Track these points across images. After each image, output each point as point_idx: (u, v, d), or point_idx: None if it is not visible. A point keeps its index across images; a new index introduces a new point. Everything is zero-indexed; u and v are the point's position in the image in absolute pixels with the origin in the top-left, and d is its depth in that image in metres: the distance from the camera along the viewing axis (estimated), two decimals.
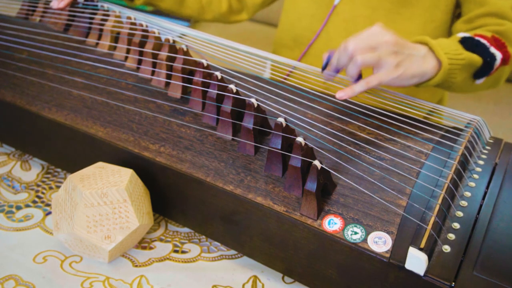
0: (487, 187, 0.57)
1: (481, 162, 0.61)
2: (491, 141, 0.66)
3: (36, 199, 0.70)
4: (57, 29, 0.87)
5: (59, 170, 0.76)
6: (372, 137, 0.62)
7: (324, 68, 0.67)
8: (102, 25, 0.82)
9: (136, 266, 0.61)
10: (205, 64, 0.67)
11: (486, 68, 0.71)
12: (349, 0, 0.86)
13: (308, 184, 0.53)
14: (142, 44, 0.76)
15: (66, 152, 0.74)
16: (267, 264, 0.60)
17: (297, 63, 0.75)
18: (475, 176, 0.58)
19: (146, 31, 0.77)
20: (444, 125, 0.67)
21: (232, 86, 0.62)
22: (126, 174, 0.60)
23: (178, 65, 0.69)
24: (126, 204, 0.57)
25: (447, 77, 0.68)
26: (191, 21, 1.78)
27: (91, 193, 0.56)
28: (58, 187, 0.73)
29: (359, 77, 0.64)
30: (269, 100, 0.67)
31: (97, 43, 0.82)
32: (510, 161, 0.62)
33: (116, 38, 0.81)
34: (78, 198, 0.57)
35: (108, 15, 0.83)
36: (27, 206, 0.69)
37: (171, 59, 0.71)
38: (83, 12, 0.86)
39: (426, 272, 0.47)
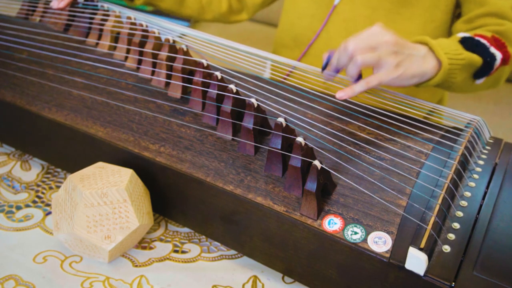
0: (487, 187, 0.57)
1: (481, 162, 0.61)
2: (491, 141, 0.66)
3: (36, 199, 0.70)
4: (57, 29, 0.87)
5: (59, 170, 0.76)
6: (372, 137, 0.62)
7: (324, 68, 0.67)
8: (102, 25, 0.82)
9: (136, 266, 0.61)
10: (205, 64, 0.67)
11: (486, 68, 0.71)
12: (349, 0, 0.86)
13: (308, 184, 0.53)
14: (142, 44, 0.76)
15: (66, 152, 0.74)
16: (267, 264, 0.60)
17: (297, 63, 0.75)
18: (475, 176, 0.58)
19: (146, 31, 0.77)
20: (444, 125, 0.67)
21: (232, 86, 0.62)
22: (126, 174, 0.60)
23: (178, 65, 0.69)
24: (126, 204, 0.57)
25: (447, 77, 0.68)
26: (191, 21, 1.78)
27: (91, 193, 0.56)
28: (58, 187, 0.73)
29: (359, 77, 0.64)
30: (269, 100, 0.67)
31: (97, 43, 0.82)
32: (510, 161, 0.62)
33: (116, 38, 0.81)
34: (78, 198, 0.57)
35: (108, 15, 0.83)
36: (27, 206, 0.69)
37: (171, 59, 0.71)
38: (83, 12, 0.86)
39: (426, 272, 0.48)
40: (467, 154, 0.60)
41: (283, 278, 0.60)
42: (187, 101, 0.69)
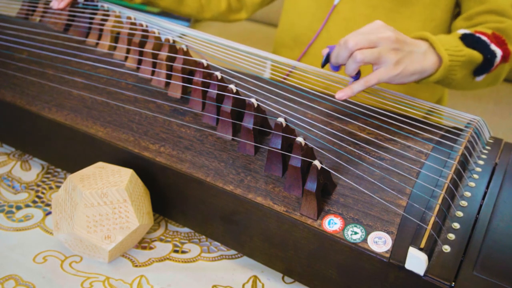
0: (487, 187, 0.57)
1: (481, 162, 0.61)
2: (491, 141, 0.66)
3: (36, 199, 0.70)
4: (57, 29, 0.87)
5: (59, 170, 0.77)
6: (372, 137, 0.62)
7: (324, 65, 0.67)
8: (102, 25, 0.82)
9: (136, 266, 0.61)
10: (205, 64, 0.67)
11: (486, 65, 0.71)
12: None
13: (308, 184, 0.53)
14: (142, 44, 0.76)
15: (66, 152, 0.74)
16: (267, 264, 0.60)
17: (297, 63, 0.75)
18: (475, 176, 0.58)
19: (146, 31, 0.77)
20: (444, 125, 0.67)
21: (232, 86, 0.62)
22: (126, 174, 0.60)
23: (178, 65, 0.69)
24: (126, 204, 0.57)
25: (448, 73, 0.68)
26: (191, 21, 1.78)
27: (91, 193, 0.56)
28: (58, 187, 0.73)
29: (358, 74, 0.63)
30: (269, 100, 0.67)
31: (97, 43, 0.82)
32: (510, 161, 0.62)
33: (116, 38, 0.81)
34: (78, 198, 0.57)
35: (108, 15, 0.83)
36: (27, 206, 0.69)
37: (171, 59, 0.71)
38: (83, 12, 0.86)
39: (426, 272, 0.48)
40: (467, 154, 0.60)
41: (283, 278, 0.60)
42: (187, 101, 0.69)
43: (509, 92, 1.59)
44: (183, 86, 0.70)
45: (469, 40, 0.70)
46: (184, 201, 0.64)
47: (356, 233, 0.52)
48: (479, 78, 0.74)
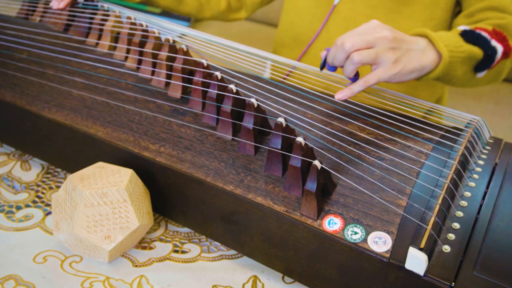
0: (487, 187, 0.57)
1: (481, 162, 0.61)
2: (491, 141, 0.66)
3: (36, 199, 0.70)
4: (57, 29, 0.87)
5: (59, 170, 0.77)
6: (372, 137, 0.62)
7: (322, 67, 0.67)
8: (102, 25, 0.82)
9: (136, 266, 0.61)
10: (205, 64, 0.67)
11: (487, 61, 0.71)
12: None
13: (308, 184, 0.53)
14: (142, 44, 0.76)
15: (66, 152, 0.74)
16: (267, 264, 0.60)
17: (297, 63, 0.75)
18: (475, 176, 0.58)
19: (146, 31, 0.77)
20: (444, 125, 0.67)
21: (232, 86, 0.62)
22: (126, 174, 0.60)
23: (178, 65, 0.69)
24: (126, 204, 0.57)
25: (448, 70, 0.67)
26: (191, 21, 1.78)
27: (91, 193, 0.56)
28: (58, 187, 0.73)
29: (356, 75, 0.63)
30: (269, 100, 0.67)
31: (97, 43, 0.82)
32: (510, 161, 0.62)
33: (116, 38, 0.81)
34: (78, 198, 0.57)
35: (108, 15, 0.83)
36: (27, 206, 0.69)
37: (171, 59, 0.71)
38: (83, 12, 0.86)
39: (426, 272, 0.48)
40: (467, 154, 0.60)
41: (283, 278, 0.60)
42: (187, 101, 0.69)
43: (509, 92, 1.59)
44: (183, 86, 0.70)
45: (469, 36, 0.69)
46: (184, 201, 0.64)
47: (356, 233, 0.52)
48: (480, 75, 0.73)
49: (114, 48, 0.80)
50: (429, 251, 0.48)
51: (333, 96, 0.64)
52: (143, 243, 0.64)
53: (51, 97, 0.73)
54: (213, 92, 0.64)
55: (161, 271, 0.60)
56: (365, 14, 0.85)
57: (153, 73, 0.73)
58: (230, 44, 0.77)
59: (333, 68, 0.65)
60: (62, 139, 0.72)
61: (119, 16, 0.83)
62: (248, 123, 0.59)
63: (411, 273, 0.48)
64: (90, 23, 0.84)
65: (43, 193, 0.72)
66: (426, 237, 0.49)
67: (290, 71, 0.81)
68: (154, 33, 0.75)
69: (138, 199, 0.59)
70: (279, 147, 0.56)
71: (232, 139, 0.63)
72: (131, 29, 0.78)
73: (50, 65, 0.77)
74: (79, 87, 0.73)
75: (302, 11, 0.91)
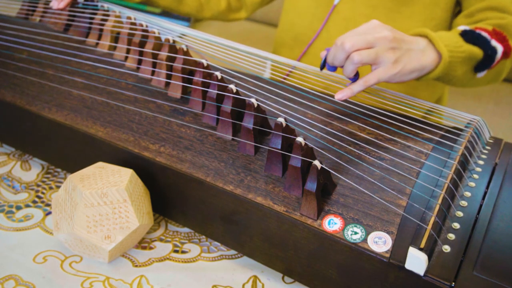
0: (487, 187, 0.57)
1: (481, 162, 0.61)
2: (491, 141, 0.66)
3: (36, 199, 0.70)
4: (57, 29, 0.87)
5: (59, 170, 0.77)
6: (372, 137, 0.62)
7: (322, 67, 0.67)
8: (102, 25, 0.82)
9: (136, 266, 0.61)
10: (205, 64, 0.67)
11: (487, 61, 0.71)
12: None
13: (308, 184, 0.53)
14: (142, 44, 0.76)
15: (66, 152, 0.74)
16: (267, 264, 0.60)
17: (297, 63, 0.75)
18: (475, 176, 0.58)
19: (146, 31, 0.77)
20: (444, 125, 0.67)
21: (232, 86, 0.62)
22: (126, 174, 0.60)
23: (178, 65, 0.69)
24: (126, 204, 0.57)
25: (448, 70, 0.67)
26: (191, 21, 1.78)
27: (91, 193, 0.56)
28: (58, 187, 0.73)
29: (356, 75, 0.63)
30: (269, 100, 0.67)
31: (97, 43, 0.82)
32: (510, 161, 0.62)
33: (116, 38, 0.81)
34: (78, 198, 0.57)
35: (108, 15, 0.83)
36: (27, 206, 0.69)
37: (171, 59, 0.71)
38: (83, 12, 0.86)
39: (426, 272, 0.48)
40: (467, 154, 0.60)
41: (283, 278, 0.60)
42: (187, 101, 0.69)
43: (509, 92, 1.59)
44: (183, 86, 0.70)
45: (469, 36, 0.69)
46: (184, 201, 0.64)
47: (356, 233, 0.52)
48: (480, 75, 0.73)
49: (114, 48, 0.80)
50: (429, 251, 0.48)
51: (333, 96, 0.64)
52: (143, 243, 0.64)
53: (51, 97, 0.73)
54: (213, 92, 0.64)
55: (161, 271, 0.60)
56: (365, 14, 0.85)
57: (153, 73, 0.73)
58: (230, 44, 0.77)
59: (333, 68, 0.65)
60: (62, 139, 0.72)
61: (119, 16, 0.83)
62: (248, 123, 0.59)
63: (411, 273, 0.48)
64: (90, 23, 0.84)
65: (43, 193, 0.72)
66: (426, 237, 0.49)
67: (290, 71, 0.81)
68: (154, 33, 0.75)
69: (138, 199, 0.59)
70: (279, 147, 0.56)
71: (232, 139, 0.63)
72: (131, 29, 0.78)
73: (50, 65, 0.77)
74: (79, 87, 0.73)
75: (302, 11, 0.91)
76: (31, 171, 0.76)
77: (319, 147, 0.60)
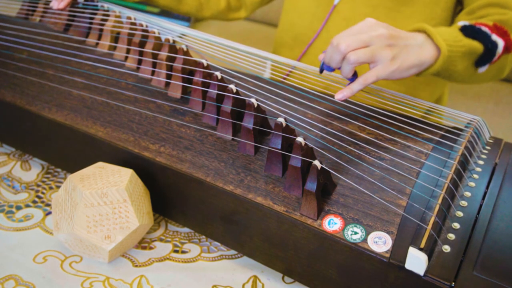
0: (487, 187, 0.57)
1: (481, 162, 0.61)
2: (491, 141, 0.66)
3: (36, 199, 0.70)
4: (57, 29, 0.87)
5: (59, 170, 0.77)
6: (372, 137, 0.62)
7: (321, 70, 0.67)
8: (102, 25, 0.82)
9: (136, 266, 0.61)
10: (205, 64, 0.67)
11: (487, 56, 0.70)
12: None
13: (308, 184, 0.53)
14: (142, 44, 0.76)
15: (66, 152, 0.74)
16: (267, 264, 0.60)
17: (297, 63, 0.75)
18: (475, 176, 0.58)
19: (146, 31, 0.77)
20: (444, 125, 0.67)
21: (232, 86, 0.62)
22: (126, 174, 0.60)
23: (178, 65, 0.69)
24: (126, 204, 0.57)
25: (448, 65, 0.67)
26: (191, 21, 1.78)
27: (91, 193, 0.56)
28: (58, 187, 0.73)
29: (355, 76, 0.63)
30: (269, 100, 0.67)
31: (97, 43, 0.82)
32: (510, 161, 0.62)
33: (116, 38, 0.81)
34: (78, 198, 0.57)
35: (108, 15, 0.83)
36: (27, 206, 0.69)
37: (171, 59, 0.71)
38: (83, 12, 0.86)
39: (426, 272, 0.48)
40: (467, 154, 0.60)
41: (283, 278, 0.60)
42: (187, 101, 0.69)
43: (509, 92, 1.59)
44: (183, 86, 0.70)
45: (469, 31, 0.69)
46: (184, 201, 0.64)
47: (356, 233, 0.52)
48: (482, 70, 0.72)
49: (114, 48, 0.80)
50: (429, 251, 0.48)
51: (333, 96, 0.64)
52: (143, 243, 0.64)
53: (51, 97, 0.73)
54: (213, 92, 0.64)
55: (161, 271, 0.60)
56: (365, 13, 0.85)
57: (153, 73, 0.73)
58: (230, 44, 0.77)
59: (332, 69, 0.65)
60: (62, 139, 0.72)
61: (119, 16, 0.83)
62: (248, 123, 0.59)
63: (411, 273, 0.48)
64: (90, 23, 0.84)
65: (43, 193, 0.72)
66: (426, 237, 0.49)
67: (290, 71, 0.81)
68: (154, 33, 0.75)
69: (138, 199, 0.59)
70: (279, 147, 0.56)
71: (232, 139, 0.63)
72: (131, 29, 0.78)
73: (50, 65, 0.77)
74: (79, 87, 0.73)
75: (302, 11, 0.91)
76: (31, 171, 0.76)
77: (319, 147, 0.60)
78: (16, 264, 0.59)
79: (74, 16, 0.87)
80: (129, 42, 0.77)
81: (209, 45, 0.77)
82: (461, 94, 1.55)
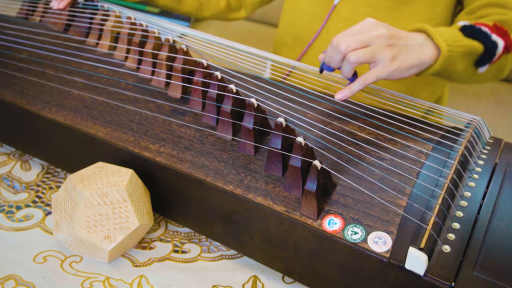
0: (487, 187, 0.57)
1: (481, 162, 0.61)
2: (491, 141, 0.66)
3: (36, 199, 0.70)
4: (57, 29, 0.87)
5: (59, 170, 0.77)
6: (372, 137, 0.62)
7: (321, 71, 0.67)
8: (102, 25, 0.82)
9: (136, 266, 0.61)
10: (205, 64, 0.67)
11: (487, 56, 0.70)
12: None
13: (308, 184, 0.53)
14: (142, 44, 0.76)
15: (66, 152, 0.74)
16: (267, 264, 0.60)
17: (297, 63, 0.75)
18: (475, 176, 0.58)
19: (146, 31, 0.77)
20: (444, 125, 0.67)
21: (232, 86, 0.62)
22: (126, 174, 0.60)
23: (178, 65, 0.69)
24: (126, 204, 0.57)
25: (448, 64, 0.67)
26: (191, 21, 1.78)
27: (91, 193, 0.56)
28: (58, 187, 0.73)
29: (355, 76, 0.63)
30: (269, 100, 0.67)
31: (97, 43, 0.82)
32: (510, 161, 0.62)
33: (116, 38, 0.81)
34: (78, 198, 0.57)
35: (108, 15, 0.83)
36: (27, 206, 0.69)
37: (171, 59, 0.71)
38: (83, 12, 0.86)
39: (426, 272, 0.48)
40: (467, 154, 0.60)
41: (283, 278, 0.60)
42: (187, 101, 0.69)
43: (509, 92, 1.59)
44: (183, 86, 0.70)
45: (469, 31, 0.69)
46: (184, 201, 0.64)
47: (356, 233, 0.52)
48: (482, 70, 0.72)
49: (114, 48, 0.80)
50: (429, 251, 0.48)
51: (333, 96, 0.64)
52: (143, 243, 0.64)
53: (51, 97, 0.73)
54: (213, 92, 0.64)
55: (161, 271, 0.60)
56: (365, 13, 0.85)
57: (153, 73, 0.73)
58: (230, 44, 0.77)
59: (332, 69, 0.65)
60: (62, 139, 0.72)
61: (119, 16, 0.83)
62: (248, 123, 0.59)
63: (411, 273, 0.48)
64: (90, 23, 0.84)
65: (43, 193, 0.72)
66: (426, 237, 0.49)
67: (290, 71, 0.81)
68: (154, 33, 0.75)
69: (138, 199, 0.59)
70: (279, 147, 0.56)
71: (232, 139, 0.63)
72: (131, 29, 0.78)
73: (50, 65, 0.77)
74: (79, 87, 0.73)
75: (302, 11, 0.91)
76: (31, 171, 0.76)
77: (319, 147, 0.60)
78: (16, 264, 0.59)
79: (74, 16, 0.87)
80: (129, 42, 0.77)
81: (209, 45, 0.77)
82: (461, 94, 1.55)
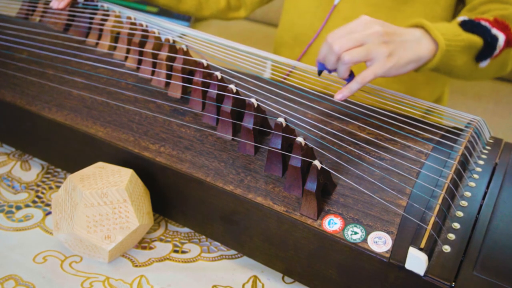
0: (487, 187, 0.57)
1: (481, 162, 0.61)
2: (491, 141, 0.66)
3: (36, 199, 0.70)
4: (57, 29, 0.87)
5: (59, 170, 0.77)
6: (372, 137, 0.62)
7: (320, 73, 0.67)
8: (102, 25, 0.82)
9: (136, 266, 0.61)
10: (205, 64, 0.67)
11: (488, 50, 0.70)
12: None
13: (308, 184, 0.53)
14: (142, 44, 0.76)
15: (66, 152, 0.74)
16: (267, 264, 0.60)
17: (297, 63, 0.75)
18: (475, 176, 0.58)
19: (146, 31, 0.77)
20: (444, 125, 0.67)
21: (232, 86, 0.62)
22: (126, 174, 0.60)
23: (178, 65, 0.69)
24: (126, 204, 0.57)
25: (447, 59, 0.66)
26: (191, 20, 1.79)
27: (91, 193, 0.56)
28: (58, 187, 0.73)
29: (351, 76, 0.63)
30: (269, 100, 0.67)
31: (97, 43, 0.82)
32: (510, 161, 0.62)
33: (116, 38, 0.81)
34: (78, 198, 0.57)
35: (108, 15, 0.83)
36: (27, 206, 0.69)
37: (171, 59, 0.71)
38: (83, 12, 0.86)
39: (426, 272, 0.47)
40: (467, 154, 0.60)
41: (283, 278, 0.60)
42: (187, 101, 0.69)
43: (509, 92, 1.59)
44: (183, 86, 0.70)
45: (469, 25, 0.68)
46: (184, 201, 0.64)
47: (356, 233, 0.52)
48: (483, 64, 0.72)
49: (114, 48, 0.80)
50: (429, 251, 0.48)
51: (333, 96, 0.64)
52: (143, 243, 0.64)
53: (51, 97, 0.73)
54: (213, 92, 0.64)
55: (161, 271, 0.60)
56: (366, 13, 0.84)
57: (153, 73, 0.73)
58: (230, 44, 0.77)
59: (328, 71, 0.65)
60: (62, 139, 0.72)
61: (119, 16, 0.83)
62: (248, 123, 0.59)
63: (411, 273, 0.48)
64: (90, 23, 0.84)
65: (43, 193, 0.72)
66: (426, 237, 0.49)
67: (290, 71, 0.81)
68: (154, 33, 0.75)
69: (138, 199, 0.59)
70: (279, 147, 0.56)
71: (232, 139, 0.63)
72: (131, 29, 0.78)
73: (50, 65, 0.77)
74: (79, 87, 0.73)
75: (303, 11, 0.91)
76: (31, 171, 0.76)
77: (319, 147, 0.60)
78: (16, 264, 0.59)
79: (74, 16, 0.87)
80: (129, 42, 0.77)
81: (209, 45, 0.77)
82: (461, 94, 1.55)
